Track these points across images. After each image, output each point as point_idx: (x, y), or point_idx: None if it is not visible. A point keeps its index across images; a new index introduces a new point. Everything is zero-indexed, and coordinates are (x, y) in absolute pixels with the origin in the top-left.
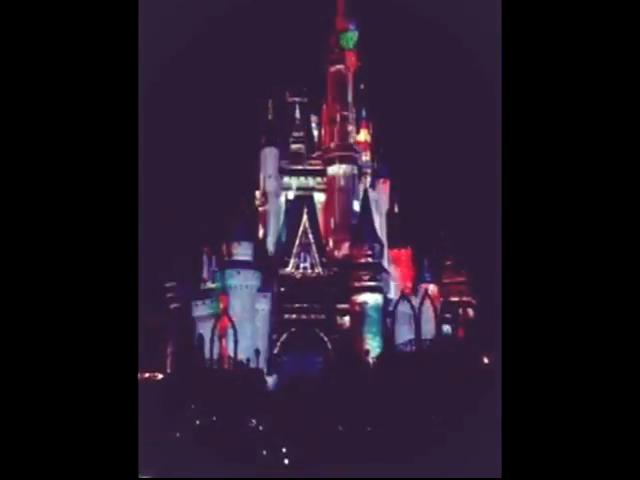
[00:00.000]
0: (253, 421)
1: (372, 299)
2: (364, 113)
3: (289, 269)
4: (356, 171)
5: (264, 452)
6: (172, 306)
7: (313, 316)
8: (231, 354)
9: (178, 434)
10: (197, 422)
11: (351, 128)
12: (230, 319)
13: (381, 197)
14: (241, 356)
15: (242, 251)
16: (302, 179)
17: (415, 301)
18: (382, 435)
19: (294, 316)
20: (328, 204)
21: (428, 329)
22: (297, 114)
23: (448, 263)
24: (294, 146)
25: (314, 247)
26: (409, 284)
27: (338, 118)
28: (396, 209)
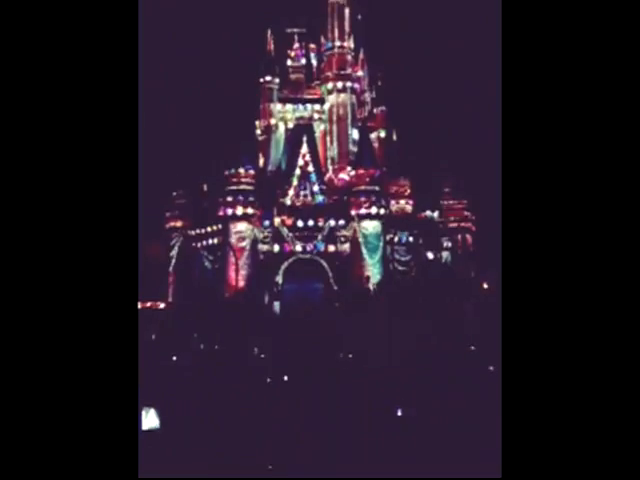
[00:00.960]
0: (255, 349)
1: (372, 226)
2: (362, 44)
3: (289, 197)
4: (354, 100)
5: (268, 379)
6: (173, 235)
7: (313, 244)
8: (232, 282)
9: (180, 362)
10: (201, 346)
11: (349, 58)
12: (231, 247)
13: (380, 125)
14: (242, 284)
15: (244, 179)
16: (301, 108)
17: (415, 228)
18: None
19: (295, 243)
20: (327, 133)
21: (428, 256)
22: (296, 44)
23: (447, 190)
24: (293, 76)
25: (314, 175)
26: (409, 210)
27: (336, 48)
28: (394, 137)
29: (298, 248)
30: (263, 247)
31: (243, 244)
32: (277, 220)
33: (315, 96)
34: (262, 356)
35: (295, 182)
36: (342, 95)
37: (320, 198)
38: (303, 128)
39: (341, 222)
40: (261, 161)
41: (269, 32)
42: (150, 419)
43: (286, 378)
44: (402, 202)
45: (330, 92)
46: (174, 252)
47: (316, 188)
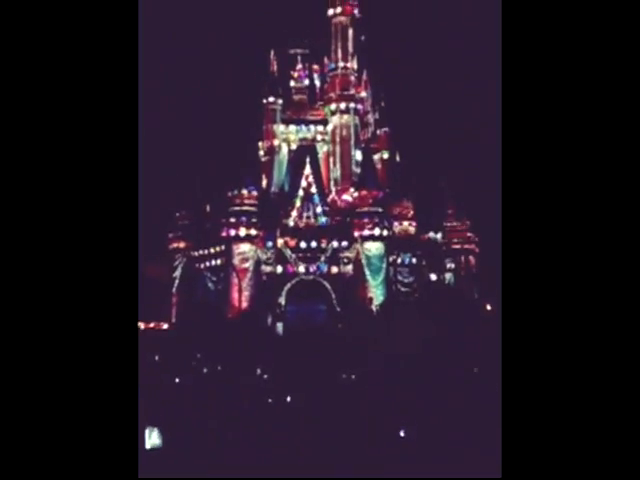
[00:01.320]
0: (258, 370)
1: (375, 247)
2: (365, 65)
3: (292, 218)
4: (358, 121)
5: (269, 400)
6: (176, 256)
7: (316, 265)
8: (235, 303)
9: (183, 383)
10: (204, 367)
11: (353, 79)
12: (234, 268)
13: (383, 146)
14: (245, 305)
15: (247, 201)
16: (304, 129)
17: (418, 249)
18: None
19: (298, 265)
20: (330, 154)
21: (431, 277)
22: (299, 65)
23: (450, 211)
24: (296, 97)
25: (317, 196)
26: (412, 232)
27: (340, 69)
28: (397, 158)
29: (301, 269)
30: (266, 268)
31: (246, 265)
32: (280, 241)
33: (318, 117)
34: (265, 377)
35: (298, 203)
36: (345, 116)
37: (323, 219)
38: (306, 149)
39: (344, 243)
40: (264, 182)
41: (272, 53)
42: (153, 438)
43: (289, 399)
44: (405, 223)
45: (333, 113)
46: (177, 273)
47: (319, 209)
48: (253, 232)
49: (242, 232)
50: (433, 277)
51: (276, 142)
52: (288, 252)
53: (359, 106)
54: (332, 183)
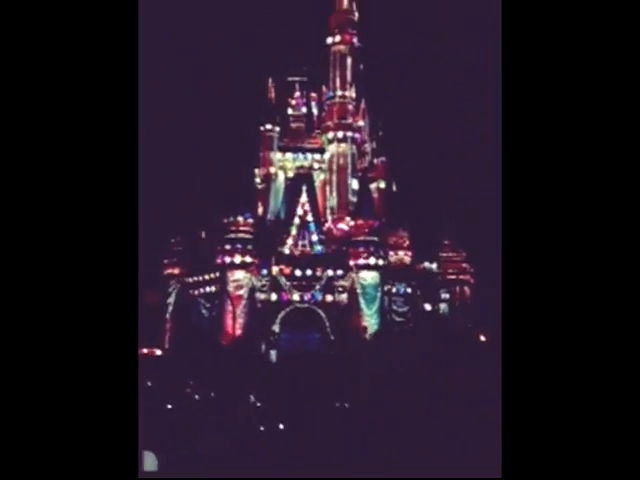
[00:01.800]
0: (251, 397)
1: (370, 276)
2: (363, 93)
3: (288, 246)
4: (355, 150)
5: (261, 428)
6: (170, 282)
7: (311, 293)
8: (229, 330)
9: (176, 409)
10: (196, 397)
11: (351, 107)
12: (229, 295)
13: (380, 176)
14: (239, 332)
15: (243, 228)
16: (301, 157)
17: (413, 279)
18: (382, 413)
19: (292, 293)
20: (327, 182)
21: (426, 307)
22: (297, 93)
23: (446, 242)
24: (293, 124)
25: (313, 225)
26: (407, 262)
27: (338, 97)
28: (394, 188)
29: (296, 297)
30: (261, 296)
31: (240, 292)
32: (275, 269)
33: (315, 145)
34: (258, 404)
35: (294, 231)
36: (342, 145)
37: (319, 248)
38: (303, 177)
39: (339, 272)
40: (260, 209)
41: (270, 80)
42: (148, 463)
43: (282, 426)
44: (401, 253)
45: (330, 142)
46: (171, 299)
47: (315, 238)
48: (248, 259)
49: (237, 259)
50: (428, 307)
51: (273, 170)
52: (283, 280)
53: (356, 135)
54: (328, 212)
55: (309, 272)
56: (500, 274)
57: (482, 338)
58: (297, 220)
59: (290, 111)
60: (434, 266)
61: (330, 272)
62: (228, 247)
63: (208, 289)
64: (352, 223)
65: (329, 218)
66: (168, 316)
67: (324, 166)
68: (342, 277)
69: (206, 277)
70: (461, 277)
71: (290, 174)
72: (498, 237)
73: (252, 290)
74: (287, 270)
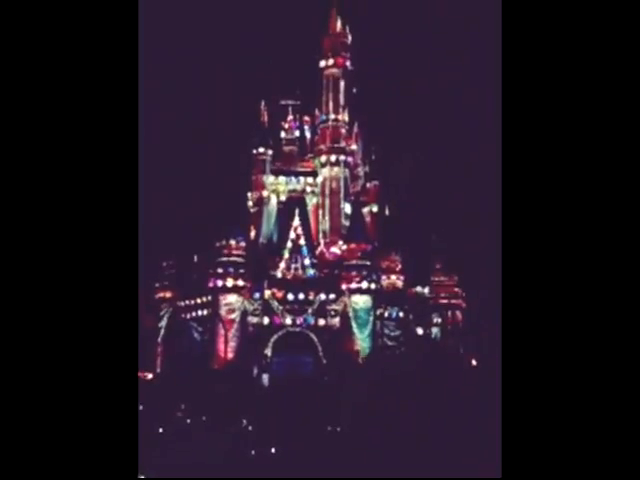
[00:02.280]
0: (244, 421)
1: (362, 300)
2: (356, 117)
3: (280, 270)
4: (348, 174)
5: (252, 452)
6: (162, 306)
7: (303, 317)
8: (221, 354)
9: (168, 433)
10: (188, 421)
11: (343, 131)
12: (221, 319)
13: (372, 200)
14: (231, 356)
15: (235, 251)
16: (294, 181)
17: (405, 303)
18: (374, 436)
19: (285, 316)
20: (319, 206)
21: (417, 331)
22: (290, 116)
23: (438, 266)
24: (286, 148)
25: (305, 248)
26: (399, 286)
27: (331, 121)
28: (387, 212)
29: (288, 321)
30: (253, 319)
31: (233, 316)
32: (267, 293)
33: (308, 169)
34: (250, 428)
35: (286, 255)
36: (335, 169)
37: (311, 271)
38: (295, 201)
39: (332, 296)
40: (252, 233)
41: (263, 104)
42: None
43: (273, 450)
44: (393, 277)
45: (323, 165)
46: (163, 323)
47: (307, 261)
48: (240, 283)
49: (229, 283)
50: (420, 331)
51: (265, 193)
52: (275, 304)
53: (349, 159)
54: (321, 235)
55: (301, 296)
56: (493, 299)
57: (473, 362)
58: (289, 244)
59: (283, 134)
60: (426, 290)
61: (322, 296)
62: (220, 270)
63: (200, 313)
64: (344, 247)
65: (322, 242)
66: (160, 340)
67: (317, 190)
68: (334, 301)
69: (198, 301)
70: (453, 301)
71: (283, 197)
72: (490, 262)
73: (244, 314)
74: (279, 294)
